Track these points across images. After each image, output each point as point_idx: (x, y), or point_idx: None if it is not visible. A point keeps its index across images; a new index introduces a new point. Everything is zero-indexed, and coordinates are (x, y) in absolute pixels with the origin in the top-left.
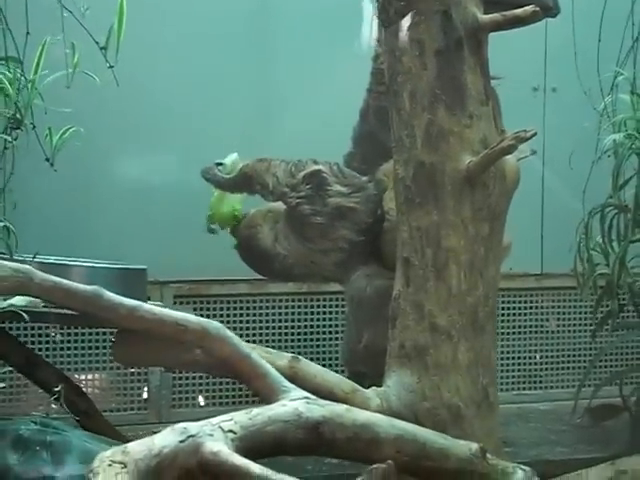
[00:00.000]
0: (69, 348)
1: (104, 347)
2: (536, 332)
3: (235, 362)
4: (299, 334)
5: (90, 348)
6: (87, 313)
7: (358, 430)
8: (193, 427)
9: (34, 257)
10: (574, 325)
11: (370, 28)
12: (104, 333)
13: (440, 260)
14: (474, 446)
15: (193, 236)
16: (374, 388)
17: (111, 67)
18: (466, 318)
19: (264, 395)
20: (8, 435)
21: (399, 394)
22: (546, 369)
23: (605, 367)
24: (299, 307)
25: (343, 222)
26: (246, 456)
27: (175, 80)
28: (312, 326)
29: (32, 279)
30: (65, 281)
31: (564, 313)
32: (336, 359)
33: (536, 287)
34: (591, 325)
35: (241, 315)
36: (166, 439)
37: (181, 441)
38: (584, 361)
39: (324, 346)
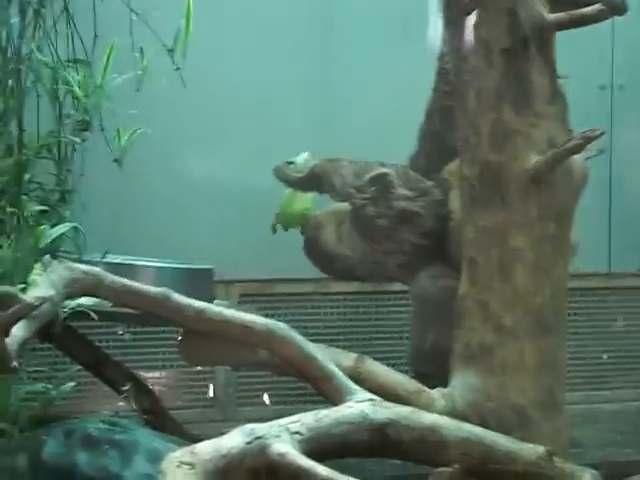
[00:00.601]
0: (136, 347)
1: (170, 345)
2: (604, 332)
3: (301, 364)
4: (364, 333)
5: (157, 347)
6: (155, 314)
7: (425, 432)
8: (260, 428)
9: (103, 257)
10: None
11: (435, 26)
12: (170, 331)
13: (506, 260)
14: (541, 449)
15: (259, 235)
16: (439, 389)
17: (178, 69)
18: (532, 318)
19: (330, 397)
20: (77, 434)
21: (464, 394)
22: (614, 369)
23: None
24: (364, 306)
25: (407, 226)
26: (312, 457)
27: (240, 81)
28: (377, 325)
29: (102, 281)
30: (134, 283)
31: (632, 313)
32: (400, 358)
33: (603, 287)
34: None
35: (306, 314)
36: (234, 440)
37: (248, 442)
38: None
39: (389, 345)
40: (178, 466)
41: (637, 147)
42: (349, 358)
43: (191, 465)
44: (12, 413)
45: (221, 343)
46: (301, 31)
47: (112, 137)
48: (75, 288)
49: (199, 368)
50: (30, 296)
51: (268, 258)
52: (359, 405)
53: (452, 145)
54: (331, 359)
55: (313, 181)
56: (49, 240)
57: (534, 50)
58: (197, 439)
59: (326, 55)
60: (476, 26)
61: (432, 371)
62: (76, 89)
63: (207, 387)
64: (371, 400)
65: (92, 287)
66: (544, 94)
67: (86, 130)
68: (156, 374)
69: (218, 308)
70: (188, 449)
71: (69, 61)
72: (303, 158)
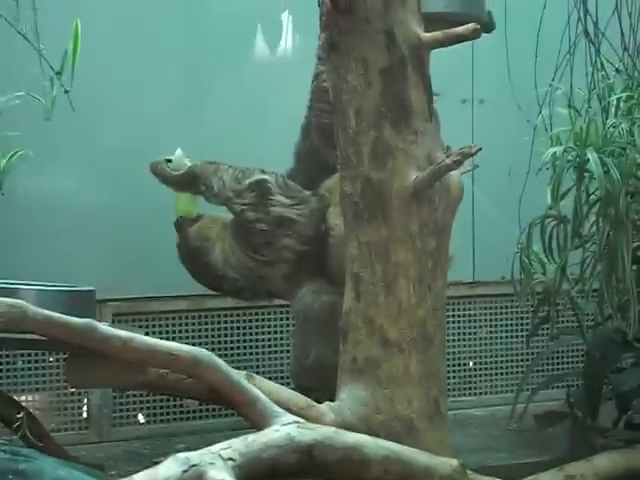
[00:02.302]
0: (8, 370)
1: (43, 367)
2: (469, 339)
3: (226, 389)
4: (239, 348)
5: (29, 369)
6: (80, 345)
7: (348, 451)
8: (194, 456)
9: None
10: (505, 332)
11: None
12: (40, 353)
13: (390, 275)
14: (454, 462)
15: (130, 253)
16: (327, 403)
17: (67, 92)
18: (416, 331)
19: (255, 420)
20: None
21: (353, 408)
22: (480, 375)
23: (540, 372)
24: (238, 322)
25: (286, 231)
26: None
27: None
28: (252, 340)
29: (26, 314)
30: (57, 315)
31: (495, 320)
32: (277, 372)
33: (468, 295)
34: (521, 331)
35: (181, 332)
36: (169, 469)
37: (184, 471)
38: (516, 367)
39: (266, 360)
40: None
41: (498, 160)
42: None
43: None
44: None
45: (108, 366)
46: (172, 36)
47: None
48: (1, 323)
49: (72, 390)
50: None
51: (140, 276)
52: (285, 428)
53: (329, 162)
54: None
55: (190, 180)
56: None
57: (411, 69)
58: (80, 462)
59: (198, 60)
60: (354, 47)
61: (313, 385)
62: None
63: (81, 408)
64: (296, 422)
65: (16, 321)
66: (421, 111)
67: None
68: (28, 397)
69: (143, 337)
70: None
71: None
72: (176, 154)
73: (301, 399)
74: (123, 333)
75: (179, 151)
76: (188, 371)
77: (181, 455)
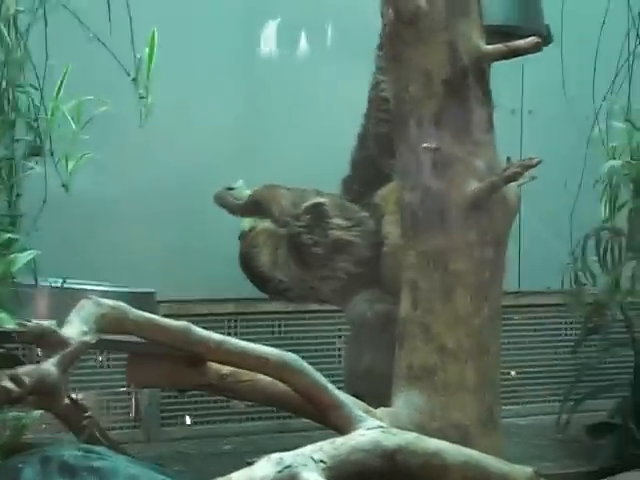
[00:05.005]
0: None
1: (92, 367)
2: (513, 348)
3: (313, 393)
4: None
5: (79, 368)
6: (175, 347)
7: (429, 457)
8: (287, 457)
9: (63, 282)
10: (549, 342)
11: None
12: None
13: (447, 283)
14: (529, 470)
15: (181, 257)
16: (382, 408)
17: (142, 98)
18: (472, 339)
19: (340, 424)
20: (53, 462)
21: (409, 414)
22: (522, 385)
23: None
24: (287, 325)
25: (342, 255)
26: None
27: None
28: (300, 344)
29: (127, 315)
30: (157, 317)
31: (540, 330)
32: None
33: (513, 304)
34: (566, 342)
35: (229, 334)
36: (265, 470)
37: (279, 472)
38: (559, 377)
39: (314, 365)
40: None
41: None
42: None
43: None
44: None
45: (167, 365)
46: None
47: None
48: (104, 324)
49: (122, 389)
50: (66, 333)
51: (191, 278)
52: (370, 432)
53: (384, 171)
54: None
55: (253, 207)
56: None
57: (472, 80)
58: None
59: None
60: (417, 57)
61: (364, 392)
62: (29, 112)
63: (130, 408)
64: (380, 427)
65: (117, 322)
66: (481, 122)
67: (37, 155)
68: (80, 395)
69: (235, 340)
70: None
71: (19, 85)
72: (238, 185)
73: (359, 404)
74: (217, 336)
75: (241, 182)
76: (277, 374)
77: (275, 456)
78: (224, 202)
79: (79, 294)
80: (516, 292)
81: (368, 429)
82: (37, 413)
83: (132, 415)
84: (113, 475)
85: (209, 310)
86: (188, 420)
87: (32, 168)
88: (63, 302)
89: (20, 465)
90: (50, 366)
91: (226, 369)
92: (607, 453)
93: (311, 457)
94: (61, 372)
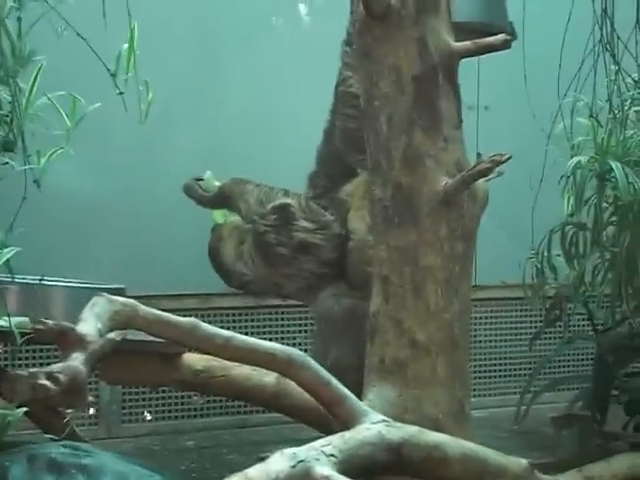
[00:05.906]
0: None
1: (48, 363)
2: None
3: (317, 388)
4: None
5: (34, 365)
6: (182, 343)
7: (430, 450)
8: (301, 452)
9: (41, 279)
10: (507, 335)
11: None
12: (47, 349)
13: (418, 278)
14: (524, 462)
15: (142, 252)
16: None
17: (121, 94)
18: (443, 333)
19: (344, 418)
20: (40, 459)
21: (382, 407)
22: (479, 377)
23: (544, 375)
24: (252, 321)
25: (307, 256)
26: None
27: None
28: (265, 339)
29: (137, 312)
30: (164, 314)
31: (495, 323)
32: None
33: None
34: (522, 334)
35: None
36: (279, 464)
37: (292, 466)
38: (516, 369)
39: None
40: None
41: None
42: (270, 375)
43: None
44: None
45: (141, 363)
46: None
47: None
48: (116, 320)
49: None
50: (82, 330)
51: (152, 274)
52: (375, 426)
53: (350, 166)
54: (253, 376)
55: (222, 200)
56: None
57: (442, 76)
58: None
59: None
60: (387, 54)
61: None
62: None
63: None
64: (384, 421)
65: (128, 318)
66: (451, 119)
67: (11, 150)
68: None
69: (243, 337)
70: (241, 475)
71: None
72: (207, 177)
73: None
74: (224, 332)
75: (209, 173)
76: (283, 370)
77: (288, 451)
78: (192, 193)
79: (51, 291)
80: (473, 286)
81: (373, 423)
82: (20, 411)
83: (92, 411)
84: (101, 472)
85: (173, 306)
86: (148, 416)
87: (6, 163)
88: (35, 299)
89: (7, 463)
90: (79, 364)
91: (200, 365)
92: (568, 444)
93: (322, 451)
94: (89, 370)
